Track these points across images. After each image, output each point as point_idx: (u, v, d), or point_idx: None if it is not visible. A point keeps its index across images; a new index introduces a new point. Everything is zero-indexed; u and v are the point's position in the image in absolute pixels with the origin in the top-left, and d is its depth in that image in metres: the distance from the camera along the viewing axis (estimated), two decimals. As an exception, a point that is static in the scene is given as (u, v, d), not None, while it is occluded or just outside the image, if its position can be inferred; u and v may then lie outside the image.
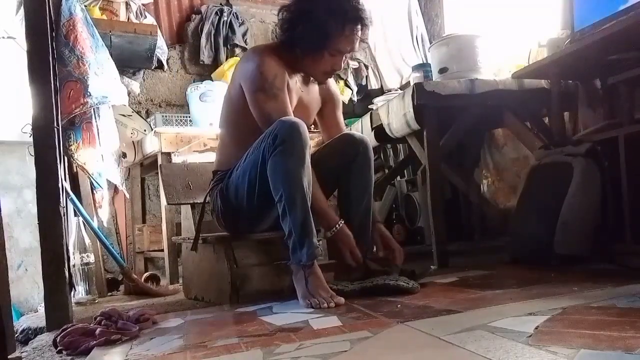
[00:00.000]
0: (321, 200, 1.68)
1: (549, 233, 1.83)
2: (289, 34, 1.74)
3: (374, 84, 3.72)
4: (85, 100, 2.36)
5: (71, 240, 2.24)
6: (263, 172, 1.61)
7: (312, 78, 1.87)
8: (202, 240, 1.84)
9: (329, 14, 1.66)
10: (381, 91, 3.69)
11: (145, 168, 3.28)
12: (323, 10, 1.66)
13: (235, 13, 3.59)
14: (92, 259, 2.32)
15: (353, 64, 3.59)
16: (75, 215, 2.29)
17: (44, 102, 1.54)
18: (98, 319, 1.42)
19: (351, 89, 3.66)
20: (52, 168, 1.53)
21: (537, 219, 1.94)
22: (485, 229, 2.90)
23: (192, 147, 2.78)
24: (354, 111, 3.75)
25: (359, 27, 1.72)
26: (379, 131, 2.57)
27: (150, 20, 3.17)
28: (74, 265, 2.21)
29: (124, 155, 2.91)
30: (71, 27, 2.40)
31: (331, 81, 1.98)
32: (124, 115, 3.03)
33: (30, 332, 1.81)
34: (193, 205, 2.01)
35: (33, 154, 1.53)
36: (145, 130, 3.08)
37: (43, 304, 1.58)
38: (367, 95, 3.72)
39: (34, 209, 1.85)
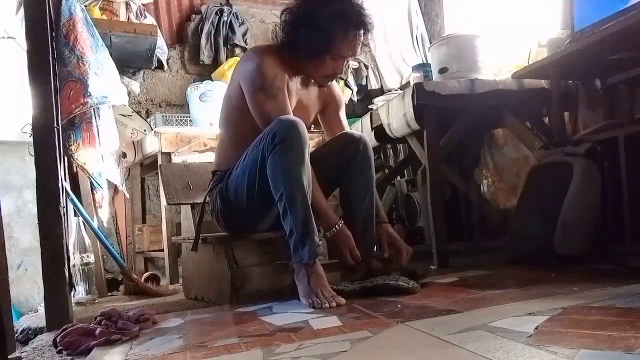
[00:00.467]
0: (321, 200, 1.68)
1: (549, 233, 1.83)
2: (291, 36, 1.73)
3: (374, 84, 3.72)
4: (85, 100, 2.37)
5: (71, 240, 2.24)
6: (262, 170, 1.61)
7: (312, 80, 1.87)
8: (202, 240, 1.84)
9: (332, 18, 1.66)
10: (381, 91, 3.69)
11: (145, 168, 3.28)
12: (326, 15, 1.66)
13: (235, 13, 3.59)
14: (92, 259, 2.32)
15: (353, 64, 3.59)
16: (75, 215, 2.29)
17: (44, 102, 1.54)
18: (98, 319, 1.42)
19: (351, 89, 3.66)
20: (52, 168, 1.53)
21: (537, 219, 1.94)
22: (485, 229, 2.90)
23: (192, 147, 2.78)
24: (354, 111, 3.75)
25: (362, 32, 1.72)
26: (379, 131, 2.57)
27: (150, 20, 3.17)
28: (74, 265, 2.21)
29: (124, 155, 2.91)
30: (71, 27, 2.40)
31: (334, 83, 1.98)
32: (124, 115, 3.03)
33: (30, 332, 1.81)
34: (193, 205, 2.01)
35: (33, 154, 1.53)
36: (145, 130, 3.08)
37: (43, 304, 1.58)
38: (367, 95, 3.72)
39: (34, 209, 1.85)
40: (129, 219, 3.29)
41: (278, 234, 1.72)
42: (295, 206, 1.55)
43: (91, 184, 2.52)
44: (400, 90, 3.39)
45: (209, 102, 2.99)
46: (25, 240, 3.00)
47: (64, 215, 1.56)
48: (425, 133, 2.19)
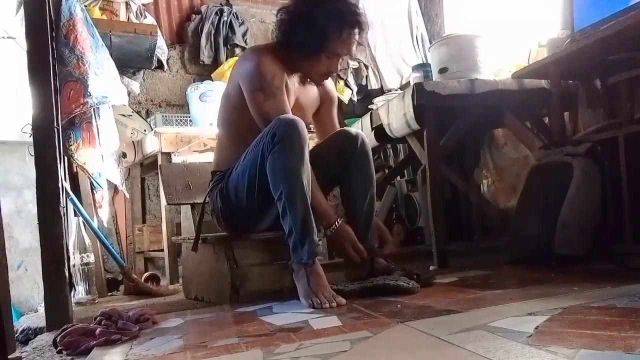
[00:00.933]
0: (320, 198, 1.67)
1: (549, 233, 1.83)
2: (287, 35, 1.74)
3: (374, 84, 3.72)
4: (85, 100, 2.37)
5: (71, 240, 2.24)
6: (262, 170, 1.61)
7: (308, 79, 1.87)
8: (202, 240, 1.84)
9: (327, 17, 1.67)
10: (381, 91, 3.69)
11: (145, 168, 3.28)
12: (321, 14, 1.67)
13: (235, 13, 3.59)
14: (92, 259, 2.32)
15: (353, 64, 3.59)
16: (75, 215, 2.29)
17: (44, 102, 1.54)
18: (98, 319, 1.42)
19: (351, 89, 3.66)
20: (52, 168, 1.53)
21: (537, 219, 1.94)
22: (485, 229, 2.90)
23: (192, 147, 2.78)
24: (354, 111, 3.75)
25: (357, 31, 1.73)
26: (379, 131, 2.57)
27: (150, 20, 3.17)
28: (74, 265, 2.21)
29: (124, 155, 2.91)
30: (71, 27, 2.40)
31: (329, 81, 1.98)
32: (124, 115, 3.03)
33: (30, 332, 1.81)
34: (193, 205, 2.01)
35: (33, 154, 1.53)
36: (145, 130, 3.08)
37: (43, 304, 1.58)
38: (367, 95, 3.72)
39: (34, 209, 1.85)
40: (129, 219, 3.29)
41: (278, 234, 1.72)
42: (294, 205, 1.55)
43: (91, 184, 2.52)
44: (400, 90, 3.39)
45: (209, 102, 2.99)
46: (25, 240, 3.00)
47: (64, 215, 1.55)
48: (425, 133, 2.19)
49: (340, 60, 1.77)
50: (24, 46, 1.59)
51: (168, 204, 2.23)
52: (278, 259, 1.83)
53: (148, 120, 3.19)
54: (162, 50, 3.17)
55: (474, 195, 2.85)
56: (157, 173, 2.72)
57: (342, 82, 3.61)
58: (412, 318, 1.21)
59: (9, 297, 1.28)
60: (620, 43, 1.82)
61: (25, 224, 2.99)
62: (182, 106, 3.45)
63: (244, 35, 3.59)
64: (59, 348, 1.27)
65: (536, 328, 0.99)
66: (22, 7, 1.71)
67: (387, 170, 3.43)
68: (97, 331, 1.31)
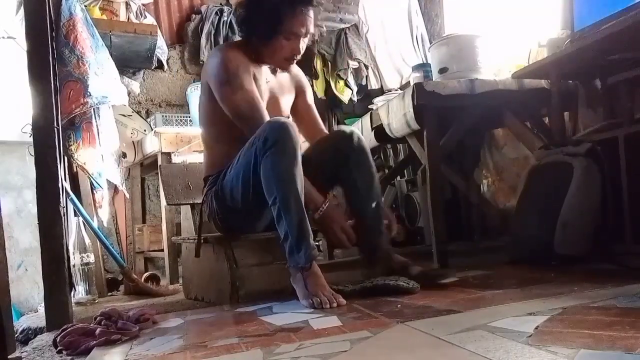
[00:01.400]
0: (305, 183, 1.63)
1: (549, 233, 1.83)
2: (246, 27, 1.77)
3: (374, 84, 3.72)
4: (85, 100, 2.37)
5: (71, 240, 2.24)
6: (256, 173, 1.60)
7: (278, 70, 1.87)
8: (202, 240, 1.84)
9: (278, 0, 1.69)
10: (381, 91, 3.69)
11: (145, 168, 3.28)
12: None
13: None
14: (92, 259, 2.32)
15: (353, 64, 3.59)
16: (75, 215, 2.29)
17: (44, 102, 1.55)
18: (98, 319, 1.42)
19: (351, 89, 3.66)
20: (52, 168, 1.53)
21: (537, 219, 1.94)
22: (485, 229, 2.90)
23: (192, 147, 2.78)
24: (354, 111, 3.75)
25: (309, 7, 1.74)
26: (379, 131, 2.57)
27: (150, 20, 3.17)
28: (74, 265, 2.21)
29: (124, 155, 2.92)
30: (71, 27, 2.40)
31: (299, 71, 1.99)
32: (124, 115, 3.03)
33: (30, 332, 1.81)
34: (193, 206, 2.01)
35: (33, 154, 1.53)
36: (145, 130, 3.08)
37: (43, 304, 1.58)
38: (367, 95, 3.71)
39: (34, 209, 1.85)
40: (129, 219, 3.30)
41: (278, 234, 1.71)
42: (289, 210, 1.53)
43: (91, 184, 2.52)
44: (400, 90, 3.39)
45: (209, 102, 2.99)
46: (25, 240, 3.00)
47: (64, 215, 1.56)
48: (425, 133, 2.19)
49: (301, 40, 1.78)
50: (24, 46, 1.60)
51: (168, 204, 2.23)
52: (278, 259, 1.83)
53: (148, 120, 3.19)
54: (162, 50, 3.17)
55: (474, 195, 2.85)
56: (157, 173, 2.72)
57: (342, 82, 3.61)
58: (412, 318, 1.21)
59: (9, 297, 1.28)
60: (620, 43, 1.82)
61: (25, 224, 3.00)
62: (182, 106, 3.46)
63: (244, 35, 3.59)
64: (59, 348, 1.27)
65: (536, 328, 0.99)
66: (22, 7, 1.71)
67: (387, 170, 3.43)
68: (97, 331, 1.31)
